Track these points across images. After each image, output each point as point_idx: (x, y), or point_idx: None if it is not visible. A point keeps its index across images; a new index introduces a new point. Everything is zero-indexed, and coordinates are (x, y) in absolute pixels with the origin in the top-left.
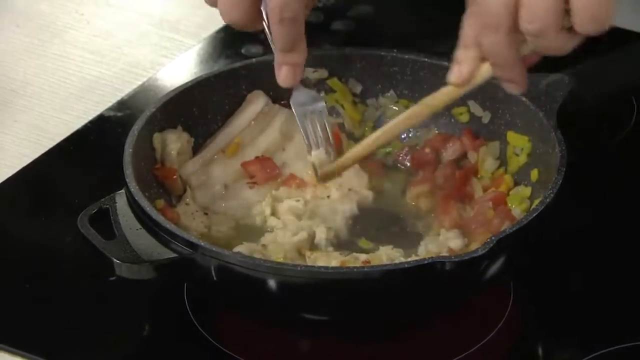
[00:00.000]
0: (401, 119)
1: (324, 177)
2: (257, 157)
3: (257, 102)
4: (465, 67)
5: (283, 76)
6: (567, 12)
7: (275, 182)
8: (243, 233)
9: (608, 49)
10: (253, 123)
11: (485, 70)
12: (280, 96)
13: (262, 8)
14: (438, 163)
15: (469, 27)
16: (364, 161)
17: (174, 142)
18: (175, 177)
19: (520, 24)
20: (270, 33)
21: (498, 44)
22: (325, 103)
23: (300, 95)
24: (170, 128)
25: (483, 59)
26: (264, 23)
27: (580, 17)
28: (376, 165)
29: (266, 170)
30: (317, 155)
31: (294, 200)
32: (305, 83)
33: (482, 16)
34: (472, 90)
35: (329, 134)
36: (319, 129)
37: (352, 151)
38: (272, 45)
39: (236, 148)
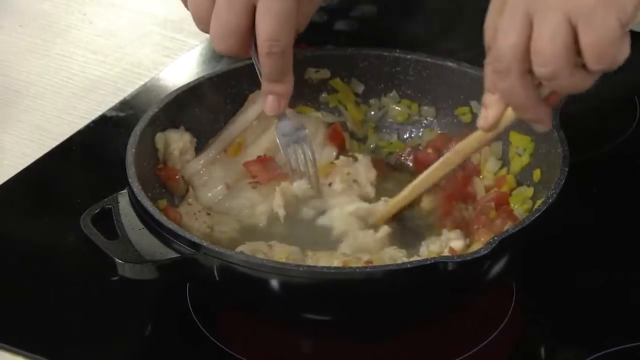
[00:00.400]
0: (434, 168)
1: (379, 221)
2: (259, 157)
3: (259, 102)
4: (492, 112)
5: (269, 105)
6: (579, 51)
7: (277, 181)
8: (246, 234)
9: None
10: (255, 123)
11: (510, 113)
12: None
13: (251, 39)
14: None
15: (488, 73)
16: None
17: (176, 142)
18: (177, 177)
19: (534, 68)
20: (259, 63)
21: (512, 89)
22: (328, 104)
23: (284, 125)
24: (172, 128)
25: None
26: (252, 51)
27: (591, 57)
28: (379, 165)
29: (268, 170)
30: (299, 186)
31: (356, 202)
32: (308, 83)
33: (494, 62)
34: (475, 90)
35: (313, 162)
36: (303, 157)
37: (393, 201)
38: (259, 74)
39: (238, 148)
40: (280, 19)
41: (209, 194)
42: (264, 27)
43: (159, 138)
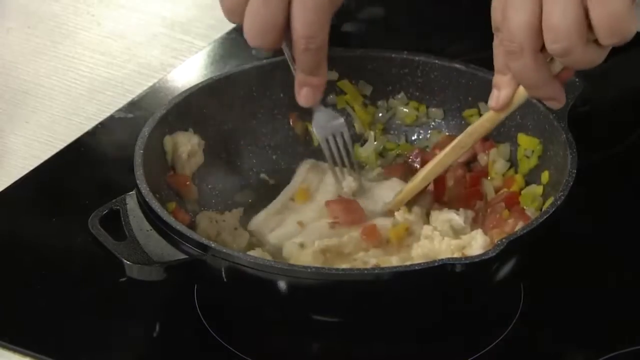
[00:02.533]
0: (447, 151)
1: (389, 212)
2: (341, 197)
3: (303, 165)
4: (503, 92)
5: (303, 96)
6: (590, 26)
7: (359, 225)
8: (253, 244)
9: (619, 51)
10: (311, 175)
11: (522, 93)
12: (290, 96)
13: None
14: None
15: (498, 54)
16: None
17: (184, 144)
18: (188, 183)
19: (547, 45)
20: (291, 53)
21: (525, 68)
22: (336, 105)
23: (320, 116)
24: (180, 129)
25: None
26: (284, 45)
27: (602, 31)
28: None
29: (351, 212)
30: (348, 184)
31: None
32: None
33: (506, 42)
34: (483, 92)
35: (350, 150)
36: (341, 147)
37: (408, 187)
38: (291, 65)
39: (305, 193)
40: (316, 14)
41: (281, 233)
42: (300, 24)
43: (167, 141)
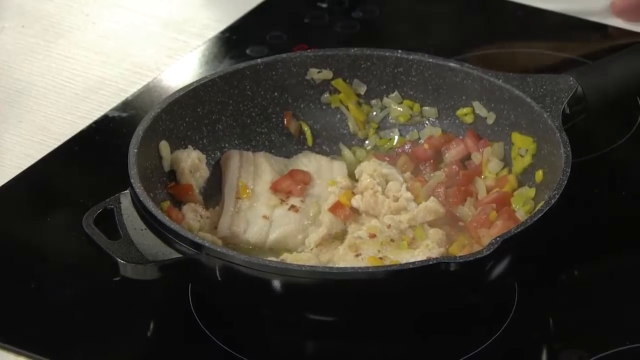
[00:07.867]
0: None
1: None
2: (281, 176)
3: (233, 157)
4: None
5: None
6: None
7: (310, 193)
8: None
9: (613, 49)
10: (242, 171)
11: None
12: (284, 94)
13: None
14: (439, 162)
15: None
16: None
17: (185, 160)
18: (191, 192)
19: None
20: None
21: None
22: (330, 104)
23: None
24: (175, 128)
25: None
26: None
27: None
28: (381, 158)
29: (297, 179)
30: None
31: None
32: (310, 83)
33: None
34: (477, 91)
35: None
36: None
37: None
38: None
39: (244, 189)
40: None
41: (255, 231)
42: None
43: (163, 146)
